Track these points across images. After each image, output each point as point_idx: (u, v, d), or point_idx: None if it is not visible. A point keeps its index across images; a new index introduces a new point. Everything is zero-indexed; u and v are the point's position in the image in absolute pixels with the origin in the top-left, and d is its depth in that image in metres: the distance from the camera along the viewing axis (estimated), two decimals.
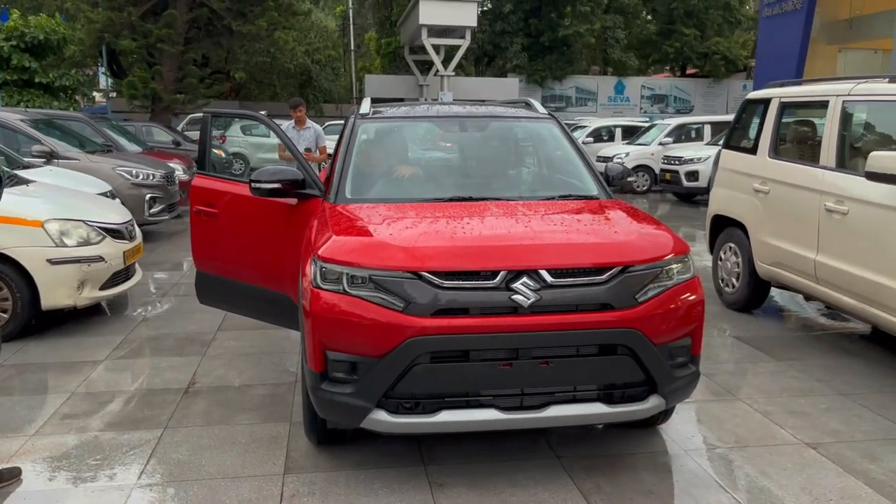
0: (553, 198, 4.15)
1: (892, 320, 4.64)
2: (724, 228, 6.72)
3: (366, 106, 4.79)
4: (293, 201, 4.31)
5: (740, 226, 6.39)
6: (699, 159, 14.57)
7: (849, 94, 5.23)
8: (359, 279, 3.18)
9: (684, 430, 4.04)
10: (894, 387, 4.71)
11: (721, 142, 14.96)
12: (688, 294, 3.41)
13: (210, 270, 4.82)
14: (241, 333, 5.78)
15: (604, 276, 3.21)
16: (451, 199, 4.00)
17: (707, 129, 17.22)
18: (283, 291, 4.45)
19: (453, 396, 3.21)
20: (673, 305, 3.33)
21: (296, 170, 4.24)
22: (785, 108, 6.06)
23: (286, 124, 9.16)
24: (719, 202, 6.81)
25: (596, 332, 3.18)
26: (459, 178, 4.53)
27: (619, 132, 20.87)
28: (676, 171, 14.93)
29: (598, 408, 3.29)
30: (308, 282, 3.34)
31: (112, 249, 5.93)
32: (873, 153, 4.56)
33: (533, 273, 3.16)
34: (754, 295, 6.39)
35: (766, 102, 6.27)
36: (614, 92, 35.85)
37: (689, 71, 37.76)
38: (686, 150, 15.47)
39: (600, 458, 3.70)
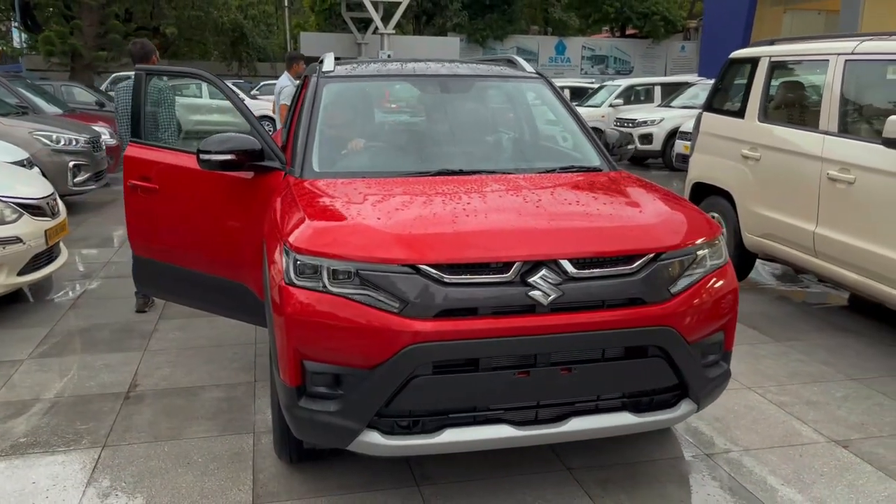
0: (554, 170, 3.62)
1: None
2: (706, 197, 6.32)
3: (329, 62, 4.14)
4: (249, 175, 3.68)
5: (725, 194, 6.01)
6: (653, 121, 14.28)
7: (852, 53, 4.84)
8: (343, 274, 2.60)
9: (701, 428, 3.62)
10: None
11: (673, 104, 15.01)
12: (721, 282, 2.96)
13: (151, 255, 4.16)
14: (187, 322, 5.11)
15: (634, 266, 2.71)
16: (438, 173, 3.44)
17: (657, 91, 16.92)
18: (241, 281, 3.83)
19: (458, 412, 2.70)
20: (707, 296, 2.87)
21: (252, 138, 3.60)
22: (776, 67, 5.65)
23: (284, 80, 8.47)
24: (701, 169, 6.40)
25: (626, 331, 2.69)
26: (445, 146, 3.92)
27: (567, 94, 20.40)
28: (629, 134, 14.57)
29: (624, 418, 2.82)
30: (279, 274, 2.74)
31: (31, 228, 5.15)
32: (893, 118, 4.17)
33: (552, 264, 2.64)
34: (740, 267, 6.04)
35: (753, 62, 5.85)
36: (555, 52, 35.26)
37: (629, 31, 37.49)
38: (639, 112, 15.16)
39: (616, 469, 3.25)
